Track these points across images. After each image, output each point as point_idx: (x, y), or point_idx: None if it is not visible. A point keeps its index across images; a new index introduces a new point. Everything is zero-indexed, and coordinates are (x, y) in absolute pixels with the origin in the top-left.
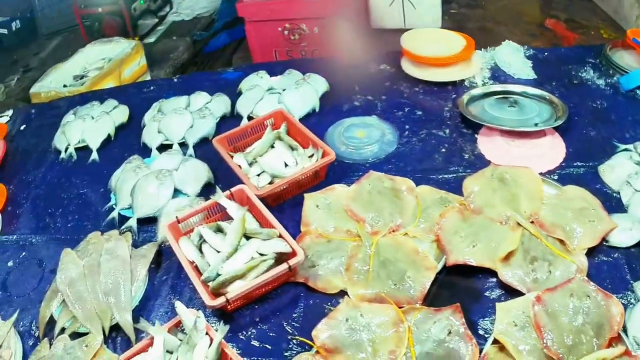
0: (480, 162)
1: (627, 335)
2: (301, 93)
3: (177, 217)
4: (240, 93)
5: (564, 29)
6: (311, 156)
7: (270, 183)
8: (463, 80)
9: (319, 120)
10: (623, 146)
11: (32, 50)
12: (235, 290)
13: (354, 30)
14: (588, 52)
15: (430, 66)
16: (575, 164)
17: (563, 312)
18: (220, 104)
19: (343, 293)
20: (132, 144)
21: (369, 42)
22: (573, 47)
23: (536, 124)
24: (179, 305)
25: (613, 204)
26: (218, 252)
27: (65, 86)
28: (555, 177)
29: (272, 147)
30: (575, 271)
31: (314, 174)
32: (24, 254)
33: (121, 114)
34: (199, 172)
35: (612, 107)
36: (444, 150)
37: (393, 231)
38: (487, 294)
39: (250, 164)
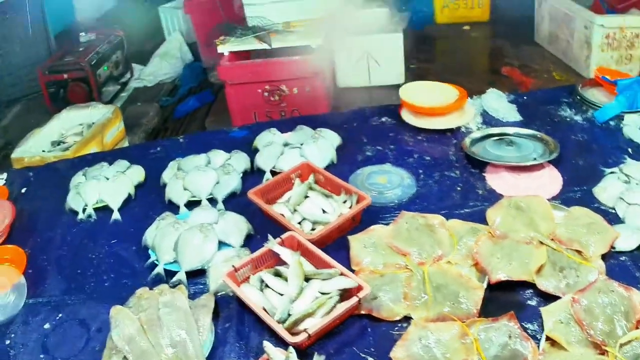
0: (493, 196)
1: None
2: (319, 146)
3: (233, 265)
4: (256, 149)
5: (520, 74)
6: (344, 202)
7: (312, 229)
8: (459, 127)
9: (338, 171)
10: (609, 170)
11: None
12: (313, 326)
13: (329, 89)
14: (561, 93)
15: (429, 116)
16: (572, 189)
17: (596, 307)
18: (240, 160)
19: (406, 319)
20: (153, 202)
21: (344, 99)
22: (547, 89)
23: (535, 159)
24: (268, 346)
25: (611, 218)
26: (281, 295)
27: (44, 151)
28: (559, 202)
29: (306, 196)
30: (597, 274)
31: (352, 217)
32: (60, 315)
33: (137, 173)
34: (240, 224)
35: (592, 139)
36: (459, 188)
37: (437, 261)
38: (528, 302)
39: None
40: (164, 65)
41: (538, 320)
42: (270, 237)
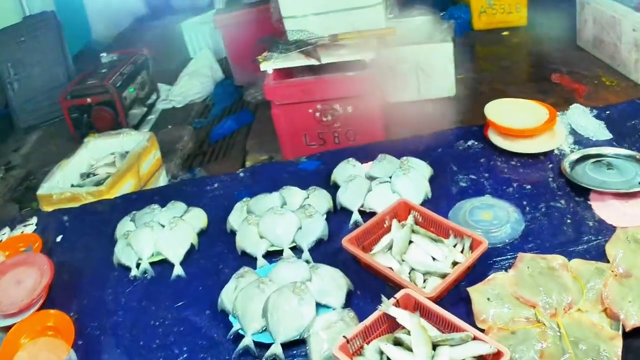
0: (604, 227)
1: None
2: (411, 179)
3: (345, 336)
4: (335, 184)
5: (570, 81)
6: (454, 246)
7: (424, 281)
8: (552, 150)
9: (434, 207)
10: None
11: (11, 146)
12: None
13: (383, 107)
14: None
15: (520, 138)
16: None
17: None
18: (321, 199)
19: None
20: (222, 253)
21: (395, 116)
22: (630, 102)
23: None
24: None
25: None
26: None
27: (73, 185)
28: None
29: (410, 241)
30: None
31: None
32: None
33: (199, 218)
34: (338, 280)
35: None
36: (569, 221)
37: (568, 310)
38: None
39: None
40: (194, 85)
41: None
42: (384, 298)
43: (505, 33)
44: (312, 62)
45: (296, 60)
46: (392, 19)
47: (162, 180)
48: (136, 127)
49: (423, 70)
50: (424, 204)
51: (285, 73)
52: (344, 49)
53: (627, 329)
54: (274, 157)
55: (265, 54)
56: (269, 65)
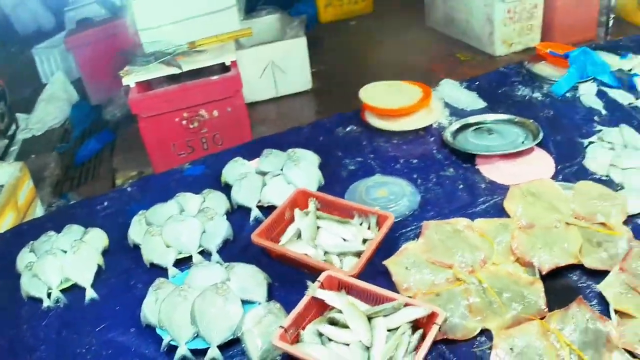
0: (497, 187)
1: None
2: (302, 169)
3: (282, 326)
4: (227, 185)
5: (424, 61)
6: (361, 224)
7: (340, 262)
8: (431, 124)
9: (330, 192)
10: (587, 140)
11: None
12: None
13: (244, 107)
14: (509, 73)
15: (398, 117)
16: (565, 165)
17: None
18: (217, 200)
19: (481, 332)
20: (130, 269)
21: (258, 116)
22: (495, 71)
23: (523, 142)
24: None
25: (609, 185)
26: (348, 345)
27: None
28: (560, 179)
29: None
30: (627, 240)
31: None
32: None
33: (99, 238)
34: (256, 276)
35: (559, 113)
36: (462, 186)
37: (483, 265)
38: (580, 284)
39: None
40: (51, 110)
41: (597, 297)
42: (309, 282)
43: (352, 23)
44: (174, 70)
45: (158, 71)
46: (244, 21)
47: (38, 210)
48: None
49: (279, 67)
50: (319, 190)
51: (148, 85)
52: (203, 54)
53: (544, 273)
54: (144, 172)
55: (127, 68)
56: (132, 79)
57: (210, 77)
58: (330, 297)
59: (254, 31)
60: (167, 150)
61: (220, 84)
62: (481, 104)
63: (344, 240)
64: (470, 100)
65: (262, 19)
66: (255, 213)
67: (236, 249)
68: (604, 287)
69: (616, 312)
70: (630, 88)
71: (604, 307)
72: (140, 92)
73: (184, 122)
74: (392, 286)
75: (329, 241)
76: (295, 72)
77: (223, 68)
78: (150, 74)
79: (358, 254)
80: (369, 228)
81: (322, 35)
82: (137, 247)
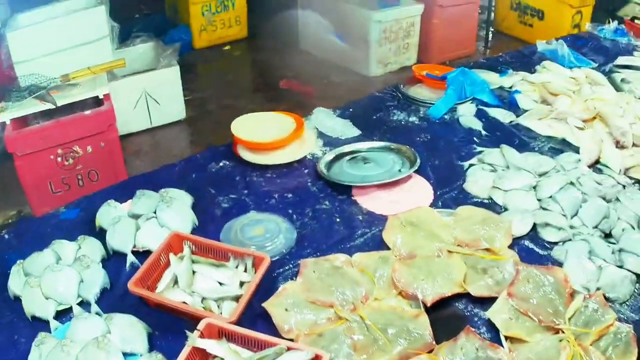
0: (375, 218)
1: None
2: (175, 210)
3: None
4: (102, 229)
5: (299, 85)
6: (237, 267)
7: (219, 307)
8: (305, 156)
9: (204, 233)
10: (467, 163)
11: None
12: None
13: (117, 141)
14: (384, 97)
15: (270, 150)
16: (444, 191)
17: (530, 294)
18: (93, 247)
19: None
20: (11, 322)
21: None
22: (370, 96)
23: (400, 170)
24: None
25: (492, 208)
26: None
27: None
28: (440, 206)
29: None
30: (513, 264)
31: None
32: None
33: None
34: (135, 326)
35: (436, 136)
36: (339, 219)
37: (365, 301)
38: (468, 313)
39: None
40: None
41: (485, 325)
42: (188, 332)
43: (226, 47)
44: (48, 106)
45: (32, 106)
46: (118, 50)
47: None
48: None
49: (152, 97)
50: (193, 232)
51: (23, 122)
52: (76, 88)
53: (429, 304)
54: (22, 211)
55: (1, 104)
56: (6, 116)
57: (83, 112)
58: (211, 346)
59: (127, 60)
60: (44, 189)
61: (93, 119)
62: (355, 131)
63: (221, 284)
64: (344, 128)
65: (136, 48)
66: (131, 259)
67: (114, 298)
68: (492, 314)
69: (507, 338)
70: (512, 106)
71: (494, 334)
72: (15, 129)
73: (59, 159)
74: (273, 328)
75: (205, 286)
76: (169, 101)
77: (97, 101)
78: (25, 110)
79: (236, 298)
80: (245, 270)
81: (196, 61)
82: (18, 299)
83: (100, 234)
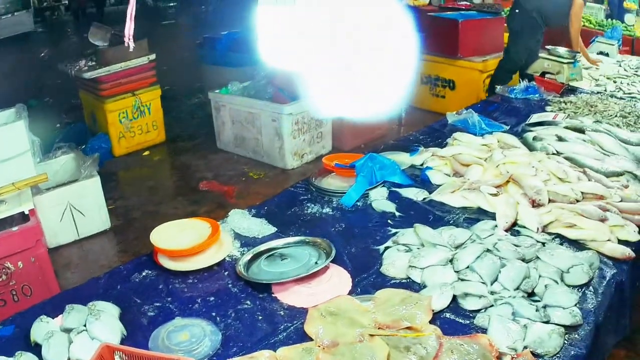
0: (297, 312)
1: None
2: (104, 322)
3: None
4: (37, 344)
5: (219, 185)
6: None
7: None
8: (224, 259)
9: (133, 343)
10: (383, 246)
11: None
12: None
13: (46, 256)
14: (296, 192)
15: (189, 256)
16: (362, 276)
17: None
18: None
19: None
20: None
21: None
22: (282, 193)
23: (316, 263)
24: None
25: (411, 287)
26: None
27: None
28: (359, 292)
29: None
30: (436, 338)
31: None
32: None
33: None
34: None
35: (351, 224)
36: (261, 317)
37: None
38: None
39: None
40: None
41: None
42: None
43: (146, 153)
44: None
45: None
46: (41, 163)
47: None
48: None
49: (76, 208)
50: (122, 342)
51: None
52: (3, 204)
53: None
54: None
55: None
56: None
57: (11, 228)
58: None
59: (50, 173)
60: None
61: (21, 235)
62: (271, 229)
63: None
64: (259, 227)
65: (58, 160)
66: None
67: None
68: None
69: None
70: (424, 183)
71: None
72: None
73: None
74: None
75: None
76: (93, 212)
77: (23, 217)
78: None
79: None
80: None
81: (117, 169)
82: None
83: (36, 349)
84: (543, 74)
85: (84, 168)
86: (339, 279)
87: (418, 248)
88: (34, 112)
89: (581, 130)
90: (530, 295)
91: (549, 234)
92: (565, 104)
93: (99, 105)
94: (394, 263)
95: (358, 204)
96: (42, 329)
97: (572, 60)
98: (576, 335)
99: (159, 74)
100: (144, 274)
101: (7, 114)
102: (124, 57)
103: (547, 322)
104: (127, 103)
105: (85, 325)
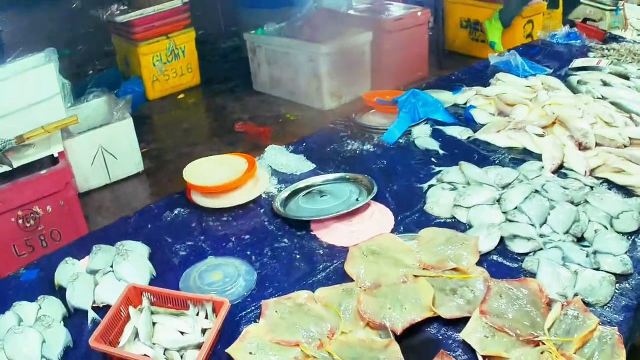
0: (336, 251)
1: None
2: (132, 262)
3: None
4: (61, 287)
5: (254, 126)
6: (197, 314)
7: (182, 357)
8: (260, 195)
9: (163, 283)
10: (426, 184)
11: None
12: None
13: (76, 199)
14: (338, 129)
15: (223, 193)
16: (405, 215)
17: (505, 309)
18: (53, 306)
19: None
20: None
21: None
22: (321, 129)
23: (357, 199)
24: None
25: (456, 227)
26: None
27: None
28: (402, 230)
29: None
30: (484, 281)
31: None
32: None
33: None
34: None
35: (393, 161)
36: (299, 256)
37: (331, 336)
38: (440, 336)
39: None
40: None
41: (461, 347)
42: None
43: (180, 96)
44: (5, 168)
45: None
46: (72, 107)
47: None
48: None
49: (108, 152)
50: (152, 282)
51: None
52: (32, 148)
53: (399, 332)
54: None
55: None
56: None
57: (40, 172)
58: None
59: (81, 117)
60: (9, 253)
61: (50, 178)
62: (310, 165)
63: (182, 333)
64: (298, 163)
65: (89, 104)
66: (92, 315)
67: (78, 356)
68: (466, 334)
69: (484, 357)
70: (468, 122)
71: (470, 354)
72: None
73: (20, 221)
74: None
75: (167, 337)
76: (125, 155)
77: (53, 160)
78: None
79: (199, 346)
80: (206, 317)
81: (151, 112)
82: None
83: (60, 293)
84: (584, 20)
85: (116, 110)
86: (381, 216)
87: (463, 187)
88: (66, 61)
89: (625, 77)
90: (580, 240)
91: (597, 178)
92: (608, 50)
93: (132, 49)
94: (438, 201)
95: (400, 141)
96: (67, 271)
97: (614, 8)
98: (627, 285)
99: (193, 18)
100: (176, 212)
101: (37, 58)
102: (157, 0)
103: (597, 269)
104: (161, 46)
105: (112, 266)
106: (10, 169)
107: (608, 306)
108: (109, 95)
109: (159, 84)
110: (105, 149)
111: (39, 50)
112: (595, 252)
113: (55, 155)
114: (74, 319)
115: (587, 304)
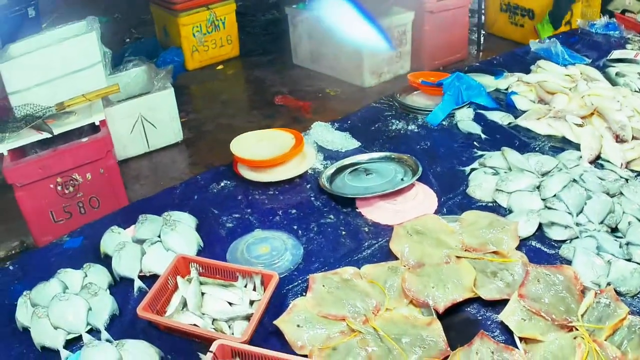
0: (381, 229)
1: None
2: (180, 233)
3: None
4: (107, 256)
5: (294, 100)
6: (245, 286)
7: (230, 327)
8: (306, 171)
9: (211, 254)
10: (469, 167)
11: None
12: None
13: (116, 167)
14: (380, 108)
15: (270, 167)
16: (448, 197)
17: (542, 294)
18: (99, 274)
19: None
20: (21, 354)
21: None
22: (365, 108)
23: (402, 179)
24: None
25: (497, 211)
26: None
27: None
28: (445, 212)
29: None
30: (522, 265)
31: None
32: None
33: None
34: (147, 351)
35: (436, 143)
36: (345, 232)
37: (377, 312)
38: (480, 316)
39: None
40: None
41: (499, 328)
42: (201, 355)
43: (219, 67)
44: (45, 135)
45: (29, 136)
46: (111, 76)
47: None
48: None
49: (148, 121)
50: (199, 253)
51: (21, 152)
52: (72, 116)
53: (441, 311)
54: (25, 241)
55: None
56: (4, 147)
57: (81, 139)
58: None
59: (121, 85)
60: (46, 219)
61: (91, 146)
62: (355, 143)
63: (231, 304)
64: (343, 141)
65: (129, 72)
66: (138, 284)
67: (124, 324)
68: (505, 316)
69: (521, 339)
70: (509, 107)
71: (508, 336)
72: (13, 159)
73: (59, 187)
74: (286, 346)
75: (215, 307)
76: (165, 124)
77: (93, 128)
78: (22, 141)
79: (247, 317)
80: (254, 289)
81: (190, 82)
82: (27, 330)
83: (105, 261)
84: (623, 11)
85: (156, 80)
86: (425, 197)
87: (505, 172)
88: (103, 28)
89: None
90: (613, 230)
91: (632, 171)
92: None
93: (171, 19)
94: (480, 185)
95: (443, 123)
96: (113, 239)
97: None
98: None
99: None
100: (222, 184)
101: (78, 26)
102: None
103: (629, 260)
104: (201, 17)
105: (159, 236)
106: (51, 136)
107: (638, 297)
108: (148, 64)
109: (198, 55)
110: (145, 117)
111: (76, 17)
112: (628, 244)
113: (97, 123)
114: (120, 287)
115: (618, 293)
